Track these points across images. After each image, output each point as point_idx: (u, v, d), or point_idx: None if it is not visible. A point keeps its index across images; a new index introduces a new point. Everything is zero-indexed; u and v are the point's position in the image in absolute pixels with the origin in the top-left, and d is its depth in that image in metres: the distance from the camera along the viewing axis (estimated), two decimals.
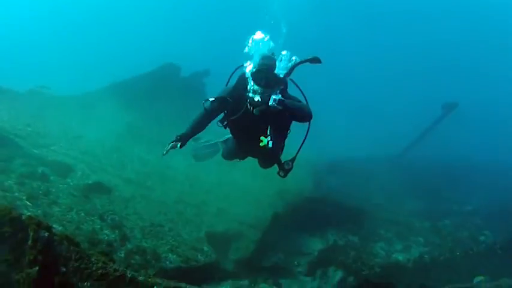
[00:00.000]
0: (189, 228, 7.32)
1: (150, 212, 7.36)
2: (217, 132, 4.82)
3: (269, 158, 4.34)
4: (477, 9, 35.88)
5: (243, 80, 4.01)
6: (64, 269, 3.19)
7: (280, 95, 3.77)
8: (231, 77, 4.25)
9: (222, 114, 4.22)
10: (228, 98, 4.00)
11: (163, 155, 4.13)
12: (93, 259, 3.26)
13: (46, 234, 3.19)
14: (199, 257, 6.54)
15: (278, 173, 4.34)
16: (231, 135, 4.57)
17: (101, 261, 3.29)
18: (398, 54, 40.53)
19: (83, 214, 6.22)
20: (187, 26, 42.01)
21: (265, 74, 3.77)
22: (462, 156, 15.69)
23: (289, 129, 4.24)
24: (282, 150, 4.31)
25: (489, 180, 12.25)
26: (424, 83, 39.23)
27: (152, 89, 12.11)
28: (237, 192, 8.90)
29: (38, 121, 9.65)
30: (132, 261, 5.68)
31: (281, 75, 3.86)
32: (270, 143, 3.83)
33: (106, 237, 5.90)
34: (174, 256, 6.25)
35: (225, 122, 4.21)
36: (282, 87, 3.93)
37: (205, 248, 6.84)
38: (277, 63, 3.86)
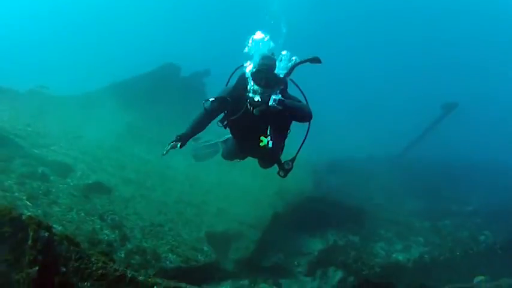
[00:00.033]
0: (189, 228, 7.32)
1: (150, 212, 7.37)
2: (217, 132, 4.82)
3: (269, 158, 4.34)
4: (477, 9, 35.92)
5: (243, 80, 4.00)
6: (64, 269, 3.19)
7: (280, 95, 3.76)
8: (231, 77, 4.24)
9: (222, 114, 4.22)
10: (228, 98, 3.99)
11: (163, 155, 4.12)
12: (93, 259, 3.27)
13: (46, 234, 3.19)
14: (199, 257, 6.55)
15: (278, 173, 4.33)
16: (231, 135, 4.56)
17: (101, 261, 3.29)
18: (398, 54, 40.59)
19: (83, 214, 6.22)
20: (187, 26, 41.97)
21: (265, 74, 3.77)
22: (462, 155, 15.72)
23: (289, 129, 4.23)
24: (282, 150, 4.31)
25: (489, 180, 12.27)
26: (424, 82, 39.27)
27: (152, 89, 12.13)
28: (237, 192, 8.90)
29: (38, 121, 9.66)
30: (132, 261, 5.69)
31: (281, 75, 3.85)
32: (270, 143, 3.82)
33: (106, 237, 5.91)
34: (174, 256, 6.25)
35: (225, 122, 4.20)
36: (282, 87, 3.92)
37: (205, 248, 6.85)
38: (277, 63, 3.85)
